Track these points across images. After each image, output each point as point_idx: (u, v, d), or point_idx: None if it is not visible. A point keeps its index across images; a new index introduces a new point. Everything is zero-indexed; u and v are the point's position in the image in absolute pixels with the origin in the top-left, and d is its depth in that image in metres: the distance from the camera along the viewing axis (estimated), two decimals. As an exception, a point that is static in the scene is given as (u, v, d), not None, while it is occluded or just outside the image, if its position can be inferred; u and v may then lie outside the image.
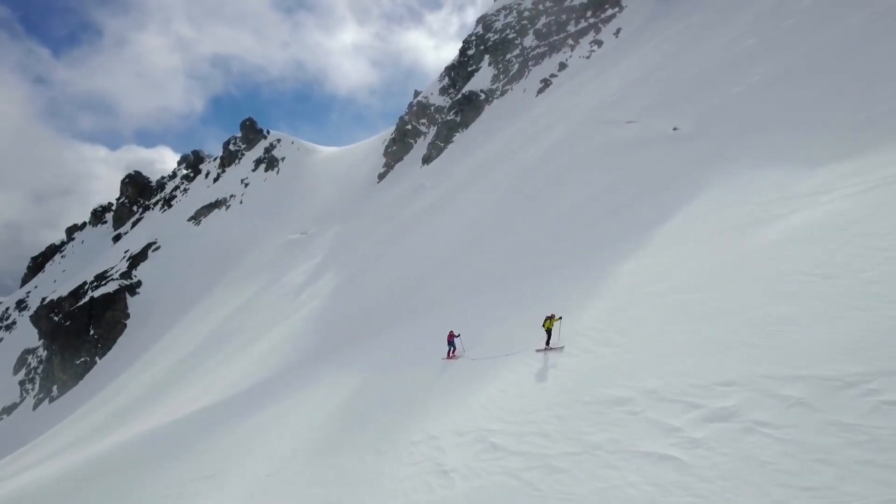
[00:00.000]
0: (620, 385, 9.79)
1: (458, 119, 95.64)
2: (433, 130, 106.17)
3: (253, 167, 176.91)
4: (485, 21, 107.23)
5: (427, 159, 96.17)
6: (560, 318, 12.25)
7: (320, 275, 67.76)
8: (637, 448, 8.11)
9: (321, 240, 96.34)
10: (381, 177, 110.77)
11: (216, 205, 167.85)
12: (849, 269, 9.75)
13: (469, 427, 10.99)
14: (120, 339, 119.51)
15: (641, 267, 15.58)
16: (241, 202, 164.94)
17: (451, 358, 15.20)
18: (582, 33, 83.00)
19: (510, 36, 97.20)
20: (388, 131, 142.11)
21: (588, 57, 77.31)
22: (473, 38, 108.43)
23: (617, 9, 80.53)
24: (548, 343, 12.11)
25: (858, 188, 13.05)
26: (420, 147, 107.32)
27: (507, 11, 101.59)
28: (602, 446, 8.53)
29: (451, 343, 15.22)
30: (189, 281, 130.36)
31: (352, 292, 47.19)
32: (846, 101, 22.95)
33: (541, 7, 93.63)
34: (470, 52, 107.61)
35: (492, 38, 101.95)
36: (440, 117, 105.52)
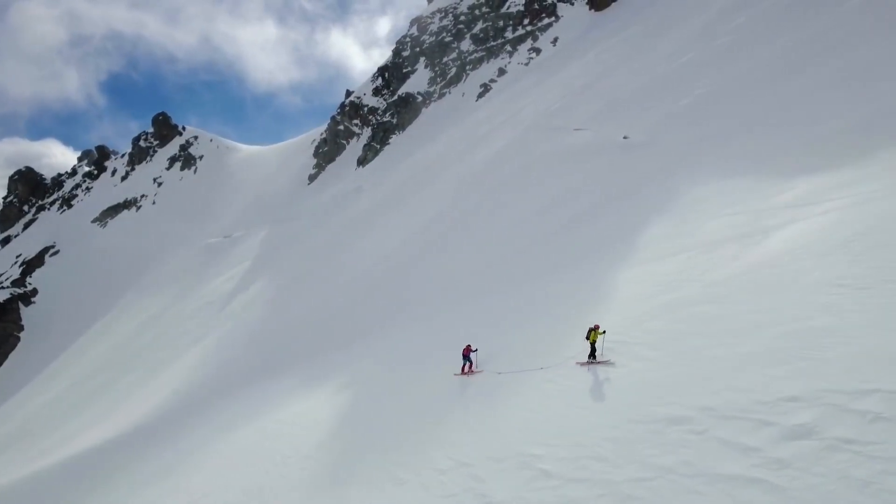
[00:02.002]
0: (672, 403, 9.49)
1: (394, 121, 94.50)
2: (367, 132, 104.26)
3: (167, 165, 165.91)
4: (420, 23, 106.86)
5: (362, 161, 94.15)
6: (604, 331, 11.81)
7: (251, 282, 64.23)
8: (716, 471, 7.79)
9: (247, 244, 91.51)
10: (312, 178, 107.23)
11: (125, 205, 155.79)
12: (876, 280, 10.03)
13: (506, 452, 10.29)
14: (12, 355, 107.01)
15: (638, 277, 15.59)
16: (153, 203, 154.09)
17: (465, 373, 14.38)
18: (520, 40, 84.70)
19: (447, 39, 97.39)
20: (316, 131, 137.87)
21: (527, 64, 78.97)
22: (408, 39, 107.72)
23: (553, 18, 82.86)
24: (593, 356, 11.65)
25: (850, 201, 13.69)
26: (353, 148, 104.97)
27: (443, 14, 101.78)
28: (675, 470, 8.15)
29: (466, 357, 14.36)
30: (94, 289, 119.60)
31: (293, 301, 44.93)
32: (793, 115, 24.53)
33: (477, 12, 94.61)
34: (405, 54, 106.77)
35: (427, 41, 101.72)
36: (375, 118, 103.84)
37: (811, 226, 13.37)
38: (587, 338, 11.74)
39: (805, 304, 10.37)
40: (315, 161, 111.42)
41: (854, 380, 8.11)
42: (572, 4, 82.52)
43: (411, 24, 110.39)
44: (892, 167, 14.88)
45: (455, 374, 14.55)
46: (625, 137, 36.39)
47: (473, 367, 14.18)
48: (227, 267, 78.37)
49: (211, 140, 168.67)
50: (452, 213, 40.45)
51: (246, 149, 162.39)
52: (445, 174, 52.03)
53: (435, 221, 41.07)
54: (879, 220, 11.98)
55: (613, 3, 76.21)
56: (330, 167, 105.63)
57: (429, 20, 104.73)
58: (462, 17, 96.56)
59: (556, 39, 78.72)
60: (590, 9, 79.12)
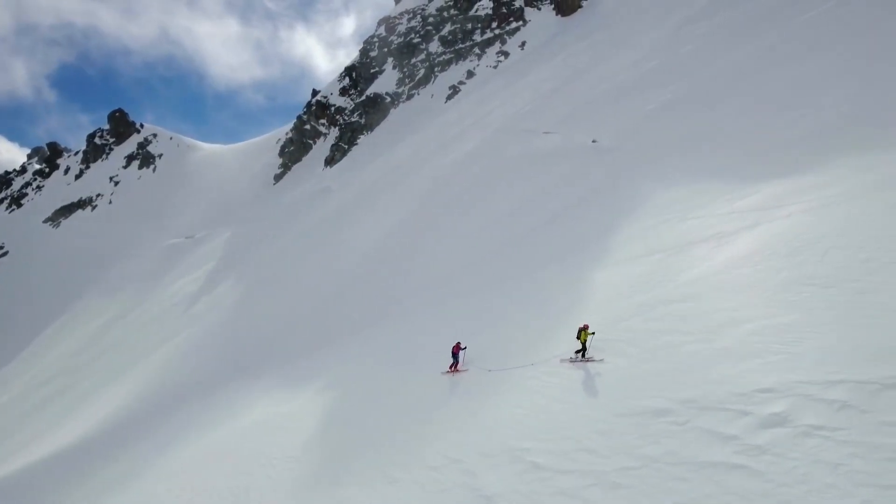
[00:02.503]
0: (654, 396, 9.99)
1: (362, 121, 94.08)
2: (334, 131, 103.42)
3: (124, 164, 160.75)
4: (387, 23, 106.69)
5: (330, 161, 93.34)
6: (593, 332, 12.22)
7: (217, 283, 62.92)
8: (699, 459, 8.28)
9: (211, 244, 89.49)
10: (278, 178, 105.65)
11: (79, 205, 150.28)
12: (840, 279, 10.78)
13: (496, 447, 10.62)
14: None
15: (614, 277, 16.18)
16: (110, 202, 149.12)
17: (452, 371, 14.63)
18: (488, 43, 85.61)
19: (415, 40, 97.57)
20: (281, 130, 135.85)
21: (495, 67, 79.89)
22: (376, 39, 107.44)
23: (521, 22, 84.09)
24: (583, 354, 12.06)
25: (810, 205, 14.58)
26: (320, 148, 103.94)
27: (411, 15, 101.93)
28: (660, 459, 8.62)
29: (455, 356, 14.59)
30: (47, 292, 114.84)
31: (264, 302, 44.30)
32: (753, 122, 25.75)
33: (445, 14, 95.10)
34: (372, 54, 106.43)
35: (395, 42, 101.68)
36: (342, 118, 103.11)
37: (776, 228, 14.18)
38: (578, 337, 12.16)
39: (775, 302, 11.05)
40: (281, 161, 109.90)
41: (822, 371, 8.74)
42: (539, 9, 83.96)
43: (379, 24, 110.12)
44: (846, 174, 15.87)
45: (442, 373, 14.77)
46: (593, 141, 37.35)
47: (459, 366, 14.41)
48: (191, 268, 76.53)
49: (171, 138, 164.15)
50: (425, 214, 40.70)
51: (208, 147, 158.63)
52: (417, 175, 52.24)
53: (407, 222, 41.24)
54: (839, 223, 12.83)
55: (579, 10, 77.95)
56: (296, 167, 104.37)
57: (397, 21, 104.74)
58: (430, 19, 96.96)
59: (523, 43, 79.95)
60: (556, 14, 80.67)
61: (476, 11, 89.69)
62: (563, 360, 12.34)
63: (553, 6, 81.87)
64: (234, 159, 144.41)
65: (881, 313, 9.35)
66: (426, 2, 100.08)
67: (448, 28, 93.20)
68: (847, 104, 21.53)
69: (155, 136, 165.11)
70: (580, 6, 78.02)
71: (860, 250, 11.33)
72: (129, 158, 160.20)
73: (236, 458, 15.66)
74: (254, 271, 55.87)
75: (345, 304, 32.23)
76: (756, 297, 11.49)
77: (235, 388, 25.79)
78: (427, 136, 66.89)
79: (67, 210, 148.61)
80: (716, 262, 14.03)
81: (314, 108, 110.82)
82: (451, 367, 14.60)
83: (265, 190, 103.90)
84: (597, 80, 48.87)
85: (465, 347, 14.67)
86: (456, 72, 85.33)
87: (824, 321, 9.81)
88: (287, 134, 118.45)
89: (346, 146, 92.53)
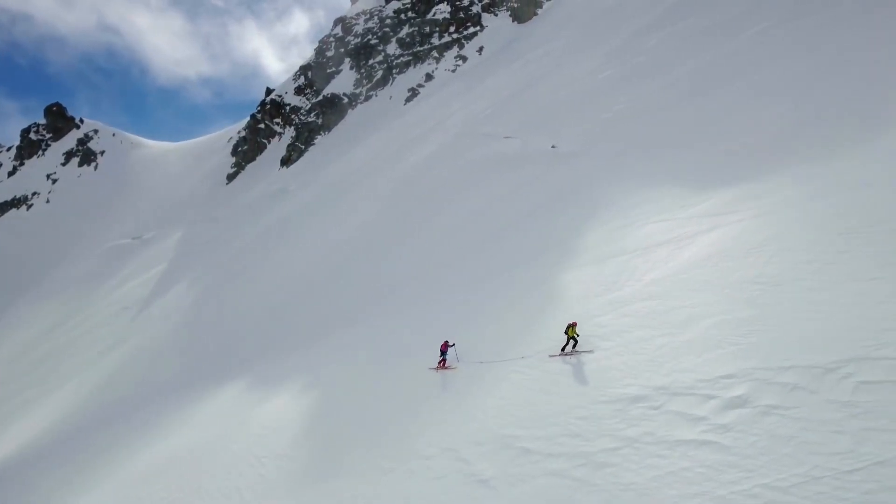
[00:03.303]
0: (630, 384, 11.06)
1: (319, 121, 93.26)
2: (290, 131, 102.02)
3: (63, 160, 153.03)
4: (344, 23, 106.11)
5: (287, 161, 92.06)
6: (578, 335, 13.13)
7: (170, 285, 61.22)
8: (674, 438, 9.36)
9: (161, 245, 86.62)
10: (231, 177, 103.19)
11: (13, 204, 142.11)
12: (789, 278, 12.17)
13: (487, 436, 11.43)
14: None
15: (584, 277, 17.32)
16: (47, 201, 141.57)
17: (440, 368, 15.35)
18: (446, 47, 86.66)
19: (372, 41, 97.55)
20: (232, 129, 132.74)
21: (454, 71, 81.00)
22: (332, 39, 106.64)
23: (479, 28, 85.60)
24: (574, 347, 12.97)
25: (759, 210, 16.14)
26: (276, 148, 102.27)
27: (368, 16, 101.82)
28: (639, 439, 9.65)
29: (443, 352, 15.24)
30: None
31: (223, 305, 43.64)
32: (703, 131, 27.65)
33: (403, 17, 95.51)
34: (329, 54, 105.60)
35: (352, 42, 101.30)
36: (298, 118, 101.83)
37: (730, 232, 15.63)
38: (566, 332, 13.12)
39: (731, 299, 12.34)
40: (234, 160, 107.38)
41: (775, 359, 9.98)
42: (496, 15, 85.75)
43: (335, 23, 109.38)
44: (787, 182, 17.56)
45: (430, 369, 15.42)
46: (553, 147, 38.86)
47: (446, 363, 15.08)
48: (141, 270, 73.94)
49: (114, 135, 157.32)
50: (391, 216, 41.21)
51: (154, 145, 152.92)
52: (380, 176, 52.62)
53: (374, 223, 41.64)
54: (785, 226, 14.35)
55: (534, 17, 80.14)
56: (250, 167, 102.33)
57: (353, 21, 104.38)
58: (388, 21, 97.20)
59: (481, 48, 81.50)
60: (512, 20, 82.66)
61: (434, 15, 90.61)
62: (552, 356, 13.26)
63: (509, 13, 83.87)
64: (182, 157, 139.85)
65: (823, 308, 10.71)
66: (383, 3, 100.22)
67: (406, 30, 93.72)
68: (789, 117, 23.57)
69: (96, 132, 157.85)
70: (535, 14, 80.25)
71: (803, 253, 12.79)
72: (69, 155, 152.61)
73: (223, 460, 15.84)
74: (212, 273, 54.72)
75: (315, 304, 32.35)
76: (714, 294, 12.78)
77: (203, 391, 25.59)
78: (387, 137, 67.25)
79: (0, 209, 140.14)
80: (677, 263, 15.34)
81: (268, 106, 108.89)
82: (439, 364, 15.30)
83: (218, 189, 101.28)
84: (554, 87, 50.65)
85: (454, 344, 15.37)
86: (414, 74, 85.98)
87: (774, 315, 11.11)
88: (239, 133, 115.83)
89: (303, 146, 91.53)
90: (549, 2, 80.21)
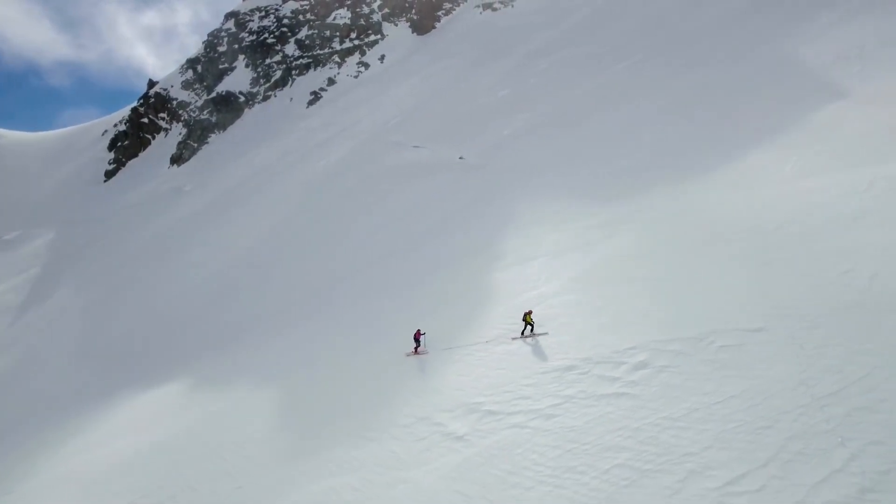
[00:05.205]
0: (563, 358, 14.39)
1: (213, 119, 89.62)
2: (179, 128, 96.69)
3: None
4: (237, 18, 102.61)
5: (177, 159, 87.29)
6: (532, 321, 16.14)
7: (50, 291, 56.38)
8: (600, 392, 12.75)
9: (30, 247, 78.03)
10: (111, 174, 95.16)
11: None
12: (668, 275, 16.29)
13: (454, 404, 14.18)
14: None
15: (511, 277, 20.69)
16: None
17: (414, 353, 17.54)
18: (348, 52, 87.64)
19: (269, 40, 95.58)
20: (105, 120, 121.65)
21: (356, 77, 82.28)
22: (224, 34, 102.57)
23: (379, 36, 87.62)
24: (532, 331, 15.97)
25: (645, 221, 20.51)
26: (161, 144, 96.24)
27: (263, 14, 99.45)
28: (575, 396, 12.95)
29: (416, 340, 17.52)
30: None
31: (125, 308, 41.89)
32: (591, 153, 32.50)
33: (301, 18, 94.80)
34: (221, 49, 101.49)
35: (247, 39, 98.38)
36: (188, 114, 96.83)
37: (624, 239, 19.79)
38: (523, 319, 16.15)
39: (629, 292, 16.20)
40: (112, 156, 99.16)
41: (664, 334, 13.74)
42: (396, 25, 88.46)
43: (226, 17, 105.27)
44: (661, 201, 22.21)
45: (406, 354, 17.81)
46: (461, 158, 42.44)
47: (420, 349, 17.53)
48: (6, 275, 66.43)
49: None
50: (305, 218, 42.26)
51: (10, 135, 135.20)
52: (288, 179, 53.01)
53: (288, 225, 42.38)
54: (666, 235, 18.69)
55: (433, 30, 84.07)
56: (133, 163, 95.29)
57: (247, 17, 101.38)
58: (286, 21, 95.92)
59: (383, 56, 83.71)
60: (412, 31, 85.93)
61: (334, 20, 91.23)
62: (514, 338, 16.22)
63: (409, 24, 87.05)
64: (44, 150, 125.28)
65: (693, 296, 14.79)
66: (279, 2, 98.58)
67: (305, 32, 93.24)
68: (658, 143, 28.90)
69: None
70: (434, 27, 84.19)
71: (679, 255, 17.07)
72: None
73: (196, 449, 16.92)
74: (104, 276, 51.43)
75: (233, 305, 32.83)
76: (616, 288, 16.62)
77: (134, 393, 25.55)
78: (292, 140, 67.17)
79: None
80: (585, 264, 19.17)
81: (153, 100, 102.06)
82: (413, 350, 17.73)
83: (95, 187, 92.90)
84: (457, 100, 54.56)
85: (425, 333, 17.82)
86: (315, 77, 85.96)
87: (661, 302, 15.05)
88: (116, 126, 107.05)
89: (196, 145, 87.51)
90: (447, 17, 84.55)
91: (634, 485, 9.95)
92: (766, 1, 41.94)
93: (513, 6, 76.49)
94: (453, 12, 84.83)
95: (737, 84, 31.20)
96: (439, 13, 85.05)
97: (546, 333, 15.82)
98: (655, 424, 11.19)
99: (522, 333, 16.23)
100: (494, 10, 78.13)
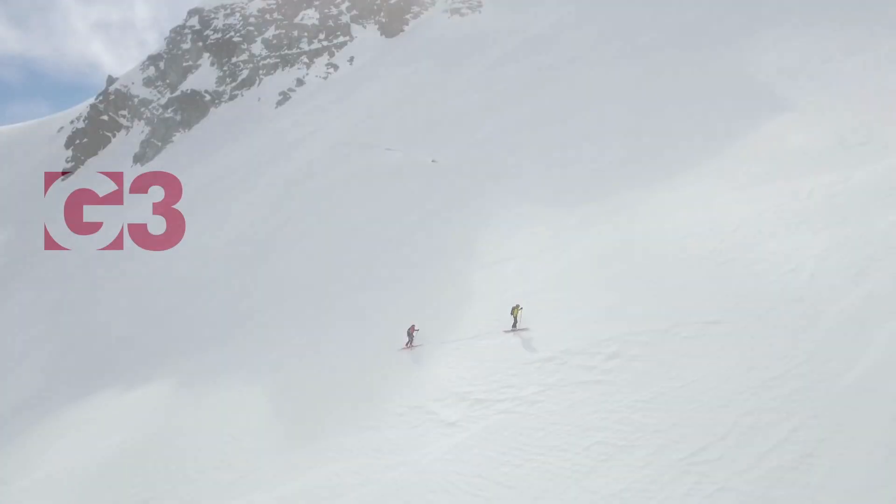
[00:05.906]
0: (543, 350, 15.75)
1: (178, 118, 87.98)
2: (141, 125, 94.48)
3: None
4: (201, 15, 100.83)
5: (141, 158, 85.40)
6: (521, 308, 17.39)
7: (11, 294, 54.90)
8: (577, 380, 14.15)
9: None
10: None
11: None
12: (636, 276, 17.85)
13: (444, 394, 15.37)
14: None
15: (491, 276, 22.01)
16: None
17: (407, 348, 18.46)
18: (316, 53, 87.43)
19: (235, 39, 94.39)
20: (60, 116, 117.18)
21: (325, 78, 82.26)
22: (188, 31, 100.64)
23: (348, 37, 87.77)
24: (515, 325, 17.22)
25: (612, 225, 22.11)
26: (123, 142, 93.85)
27: (228, 11, 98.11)
28: (556, 384, 14.32)
29: (410, 335, 18.54)
30: None
31: (99, 310, 41.41)
32: (559, 157, 34.07)
33: (269, 17, 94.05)
34: (185, 46, 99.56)
35: (212, 36, 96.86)
36: (150, 112, 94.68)
37: (597, 241, 21.32)
38: (511, 313, 17.38)
39: (603, 289, 17.70)
40: (70, 153, 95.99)
41: (633, 327, 15.21)
42: (365, 27, 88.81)
43: (190, 14, 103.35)
44: (629, 203, 23.84)
45: (400, 349, 18.73)
46: (433, 161, 43.53)
47: (412, 343, 18.56)
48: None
49: None
50: (280, 218, 42.63)
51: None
52: (260, 178, 53.03)
53: (262, 225, 42.66)
54: (636, 236, 20.26)
55: (402, 33, 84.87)
56: (92, 161, 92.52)
57: (212, 14, 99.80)
58: (252, 19, 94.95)
59: (352, 58, 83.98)
60: (381, 34, 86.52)
61: (302, 20, 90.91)
62: (505, 331, 17.40)
63: (378, 27, 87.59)
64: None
65: (659, 293, 16.39)
66: (245, 0, 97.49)
67: (272, 31, 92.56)
68: (623, 149, 30.64)
69: None
70: (402, 31, 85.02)
71: (647, 255, 18.67)
72: None
73: (189, 442, 17.57)
74: (71, 278, 50.38)
75: (210, 304, 33.12)
76: (590, 287, 18.11)
77: (114, 394, 25.75)
78: (262, 140, 66.89)
79: None
80: (561, 264, 20.65)
81: (112, 97, 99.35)
82: (406, 344, 18.75)
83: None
84: (428, 104, 55.61)
85: (419, 330, 18.86)
86: (283, 78, 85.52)
87: (630, 299, 16.57)
88: (73, 122, 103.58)
89: (160, 143, 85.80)
90: (415, 20, 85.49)
91: (612, 459, 11.35)
92: (722, 14, 44.65)
93: (480, 12, 77.96)
94: (421, 16, 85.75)
95: (698, 93, 33.28)
96: (407, 16, 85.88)
97: (527, 329, 17.14)
98: (628, 406, 12.64)
99: (514, 326, 17.43)
100: (462, 15, 79.42)
